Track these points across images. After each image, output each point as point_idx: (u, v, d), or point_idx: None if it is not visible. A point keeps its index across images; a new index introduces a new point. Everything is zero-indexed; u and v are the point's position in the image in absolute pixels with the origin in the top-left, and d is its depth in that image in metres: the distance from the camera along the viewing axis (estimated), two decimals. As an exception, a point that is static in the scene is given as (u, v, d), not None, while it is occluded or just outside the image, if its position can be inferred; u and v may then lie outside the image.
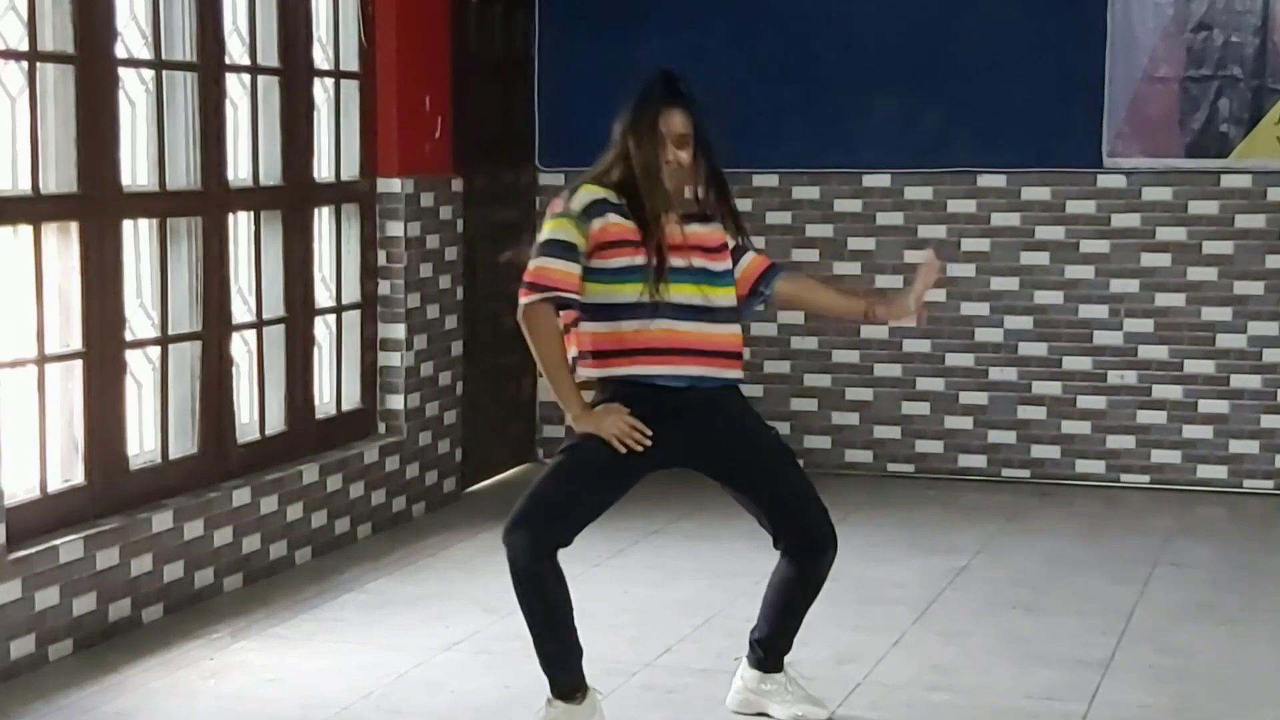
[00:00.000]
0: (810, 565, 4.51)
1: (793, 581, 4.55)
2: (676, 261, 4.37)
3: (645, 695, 4.95)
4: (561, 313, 4.40)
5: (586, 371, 4.43)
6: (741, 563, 6.13)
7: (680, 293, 4.37)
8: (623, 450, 4.29)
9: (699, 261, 4.41)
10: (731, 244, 4.52)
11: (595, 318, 4.39)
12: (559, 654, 4.42)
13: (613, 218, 4.34)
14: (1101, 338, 7.77)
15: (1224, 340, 7.63)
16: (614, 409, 4.32)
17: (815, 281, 4.90)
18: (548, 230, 4.37)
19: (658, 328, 4.35)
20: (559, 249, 4.33)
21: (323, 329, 6.79)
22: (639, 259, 4.33)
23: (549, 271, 4.33)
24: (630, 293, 4.34)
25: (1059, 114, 7.70)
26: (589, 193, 4.36)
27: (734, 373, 4.46)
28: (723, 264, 4.48)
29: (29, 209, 5.22)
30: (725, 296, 4.46)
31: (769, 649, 4.67)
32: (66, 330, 5.42)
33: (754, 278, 4.58)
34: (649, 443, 4.30)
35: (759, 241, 7.91)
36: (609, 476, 4.37)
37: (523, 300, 4.37)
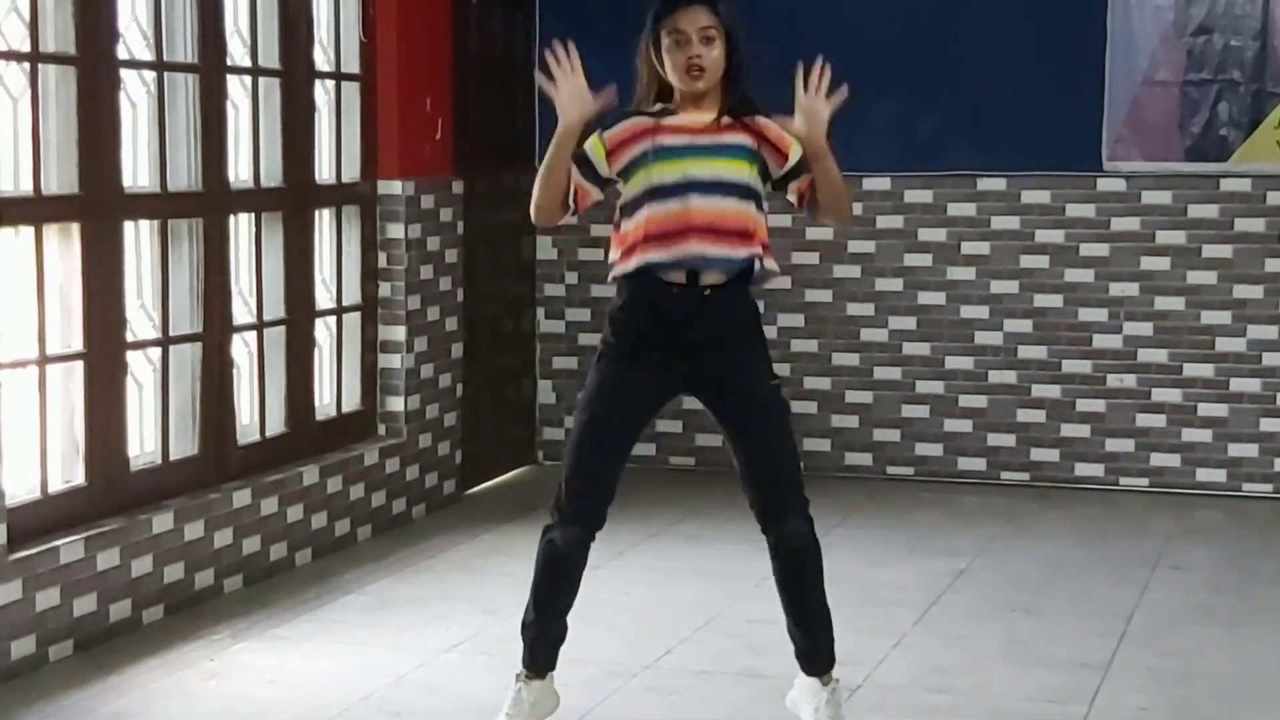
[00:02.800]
0: (782, 536, 4.42)
1: (773, 565, 4.50)
2: (674, 140, 4.27)
3: (645, 697, 4.95)
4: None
5: (614, 272, 4.37)
6: (741, 565, 6.14)
7: (676, 169, 4.26)
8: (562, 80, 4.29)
9: (704, 139, 4.28)
10: (795, 155, 4.32)
11: (626, 215, 4.34)
12: (552, 636, 4.49)
13: (634, 118, 4.31)
14: (1101, 341, 7.77)
15: (1223, 344, 7.64)
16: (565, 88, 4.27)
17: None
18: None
19: (661, 211, 4.26)
20: (581, 163, 4.31)
21: (323, 331, 6.80)
22: (645, 143, 4.28)
23: (574, 184, 4.32)
24: (638, 182, 4.29)
25: (1059, 117, 7.71)
26: (618, 114, 4.34)
27: (743, 251, 4.28)
28: (748, 142, 4.31)
29: (30, 210, 5.23)
30: (734, 170, 4.28)
31: (803, 642, 4.53)
32: (67, 331, 5.42)
33: (802, 191, 4.39)
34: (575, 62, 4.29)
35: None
36: (622, 426, 4.38)
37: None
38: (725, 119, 4.33)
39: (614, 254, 4.39)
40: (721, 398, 4.39)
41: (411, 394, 7.13)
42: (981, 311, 7.88)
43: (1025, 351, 7.86)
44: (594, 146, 4.33)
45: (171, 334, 5.86)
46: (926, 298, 7.94)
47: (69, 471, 5.45)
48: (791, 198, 4.43)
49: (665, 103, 4.37)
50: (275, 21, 6.39)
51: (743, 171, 4.31)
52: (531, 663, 4.51)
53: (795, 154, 4.35)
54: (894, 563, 6.50)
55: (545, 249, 8.30)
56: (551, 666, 4.52)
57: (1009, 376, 7.88)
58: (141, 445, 5.79)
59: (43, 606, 5.10)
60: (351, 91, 6.90)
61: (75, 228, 5.40)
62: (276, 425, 6.45)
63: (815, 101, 4.31)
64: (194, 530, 5.77)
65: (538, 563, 4.45)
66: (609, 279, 4.49)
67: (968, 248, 7.89)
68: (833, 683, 4.51)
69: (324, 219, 6.79)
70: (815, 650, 4.52)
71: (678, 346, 4.33)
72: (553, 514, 4.42)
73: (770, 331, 8.01)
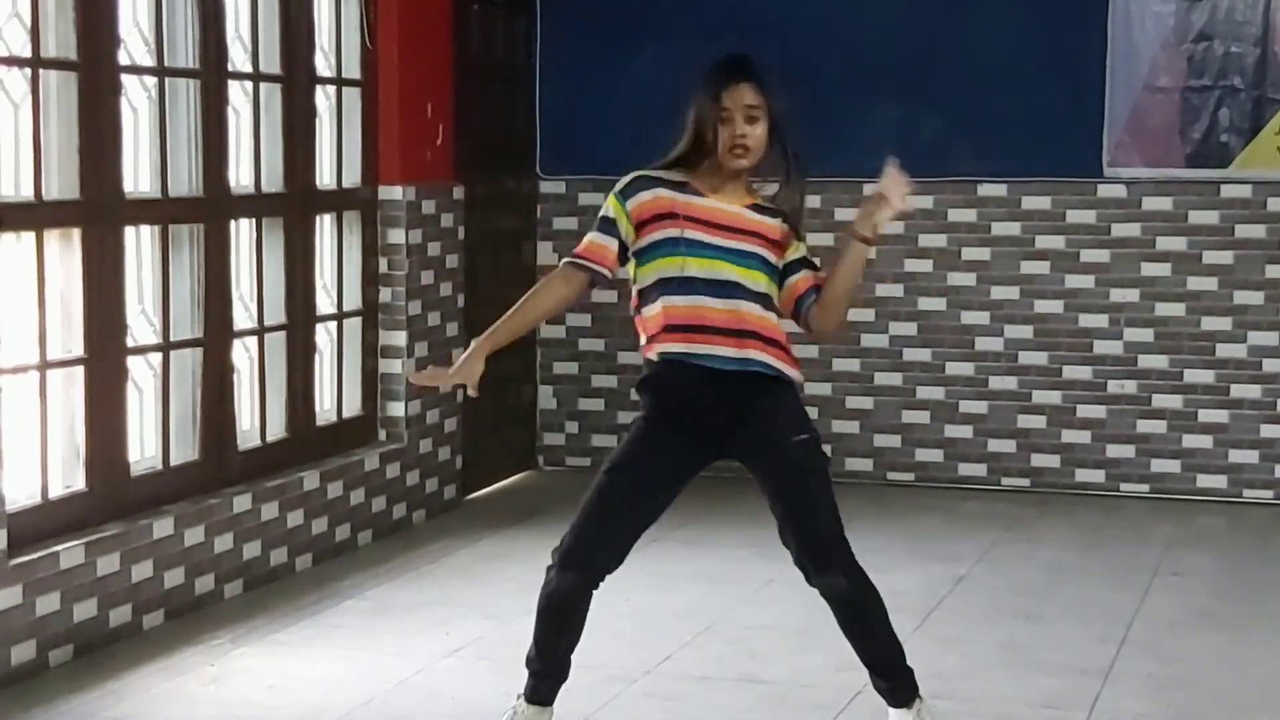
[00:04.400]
0: (824, 589, 4.39)
1: (835, 611, 4.43)
2: (707, 237, 4.22)
3: (646, 702, 4.95)
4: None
5: (649, 351, 4.31)
6: (742, 570, 6.14)
7: (709, 268, 4.21)
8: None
9: (736, 243, 4.24)
10: (794, 253, 4.32)
11: (646, 301, 4.29)
12: (553, 672, 4.42)
13: (660, 191, 4.24)
14: (1101, 347, 7.77)
15: (1224, 350, 7.64)
16: (471, 359, 4.21)
17: (828, 285, 4.38)
18: (604, 207, 4.31)
19: (686, 304, 4.22)
20: (600, 224, 4.28)
21: (324, 336, 6.80)
22: (672, 230, 4.23)
23: (586, 243, 4.28)
24: (666, 266, 4.24)
25: (1060, 123, 7.71)
26: (637, 173, 4.30)
27: (772, 359, 4.28)
28: (763, 250, 4.27)
29: (31, 215, 5.23)
30: (758, 282, 4.27)
31: (877, 680, 4.49)
32: (68, 336, 5.43)
33: (800, 293, 4.35)
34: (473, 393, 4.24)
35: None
36: (655, 490, 4.31)
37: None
38: (753, 210, 4.30)
39: (642, 337, 4.34)
40: (757, 456, 4.34)
41: (412, 399, 7.13)
42: (982, 317, 7.88)
43: (1026, 357, 7.86)
44: (615, 212, 4.26)
45: (172, 339, 5.86)
46: (927, 303, 7.94)
47: (69, 476, 5.45)
48: (786, 288, 4.36)
49: (690, 163, 4.30)
50: (276, 27, 6.40)
51: (767, 285, 4.30)
52: (533, 694, 4.43)
53: (795, 253, 4.34)
54: (894, 568, 6.49)
55: (546, 254, 8.30)
56: (551, 702, 4.44)
57: (1009, 382, 7.88)
58: (142, 450, 5.79)
59: (43, 611, 5.10)
60: (352, 97, 6.90)
61: (76, 233, 5.40)
62: (277, 430, 6.45)
63: (897, 187, 4.43)
64: (194, 535, 5.78)
65: (539, 604, 4.34)
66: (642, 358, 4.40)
67: (968, 253, 7.89)
68: (918, 704, 4.46)
69: (325, 224, 6.80)
70: (893, 686, 4.46)
71: (717, 412, 4.28)
72: (555, 555, 4.31)
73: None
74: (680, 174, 4.28)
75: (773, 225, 4.30)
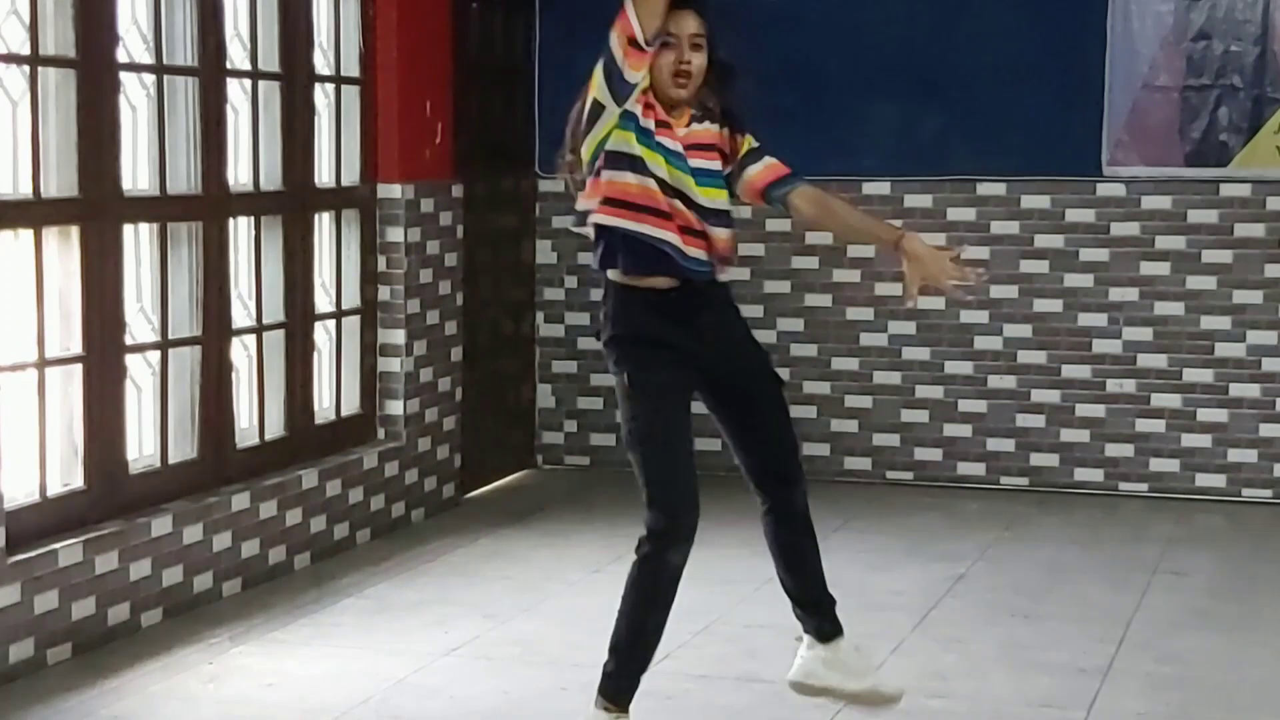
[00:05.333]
0: (789, 503, 4.46)
1: (777, 530, 4.49)
2: (674, 147, 4.26)
3: (644, 702, 4.92)
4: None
5: (596, 218, 4.31)
6: (740, 569, 6.13)
7: (670, 174, 4.25)
8: None
9: (695, 161, 4.28)
10: (744, 146, 4.38)
11: (610, 165, 4.28)
12: (645, 664, 4.37)
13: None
14: (1100, 346, 7.77)
15: (1223, 349, 7.64)
16: None
17: (841, 203, 4.55)
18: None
19: (650, 185, 4.23)
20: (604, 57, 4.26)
21: (322, 334, 6.79)
22: (651, 122, 4.24)
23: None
24: (642, 154, 4.25)
25: (1059, 122, 7.71)
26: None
27: (722, 273, 4.37)
28: (716, 163, 4.33)
29: (30, 213, 5.23)
30: (712, 198, 4.31)
31: (811, 607, 4.53)
32: (66, 334, 5.42)
33: (761, 186, 4.40)
34: None
35: (758, 248, 8.02)
36: (682, 423, 4.31)
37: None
38: (693, 123, 4.33)
39: (598, 199, 4.30)
40: (732, 375, 4.37)
41: (411, 398, 7.13)
42: (981, 316, 7.88)
43: (1025, 356, 7.85)
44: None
45: (171, 337, 5.85)
46: (926, 302, 7.92)
47: (68, 475, 5.44)
48: (744, 195, 4.41)
49: None
50: (275, 25, 6.39)
51: (721, 199, 4.34)
52: (617, 694, 4.35)
53: (748, 144, 4.40)
54: (893, 567, 6.50)
55: (545, 253, 8.30)
56: (631, 695, 4.39)
57: (1008, 381, 7.88)
58: (140, 448, 5.79)
59: (41, 609, 5.09)
60: (351, 95, 6.89)
61: (75, 231, 5.40)
62: (276, 429, 6.44)
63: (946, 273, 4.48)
64: (193, 534, 5.77)
65: (646, 585, 4.30)
66: (583, 220, 4.38)
67: (968, 253, 7.85)
68: (847, 636, 4.50)
69: (323, 222, 6.79)
70: (821, 619, 4.50)
71: (689, 338, 4.31)
72: (658, 533, 4.26)
73: (770, 336, 8.01)
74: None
75: (705, 130, 4.34)
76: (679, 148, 4.28)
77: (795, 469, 4.50)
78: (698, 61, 4.27)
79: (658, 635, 4.36)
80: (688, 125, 4.34)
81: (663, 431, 4.29)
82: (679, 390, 4.33)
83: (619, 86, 4.23)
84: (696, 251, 4.28)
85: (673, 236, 4.25)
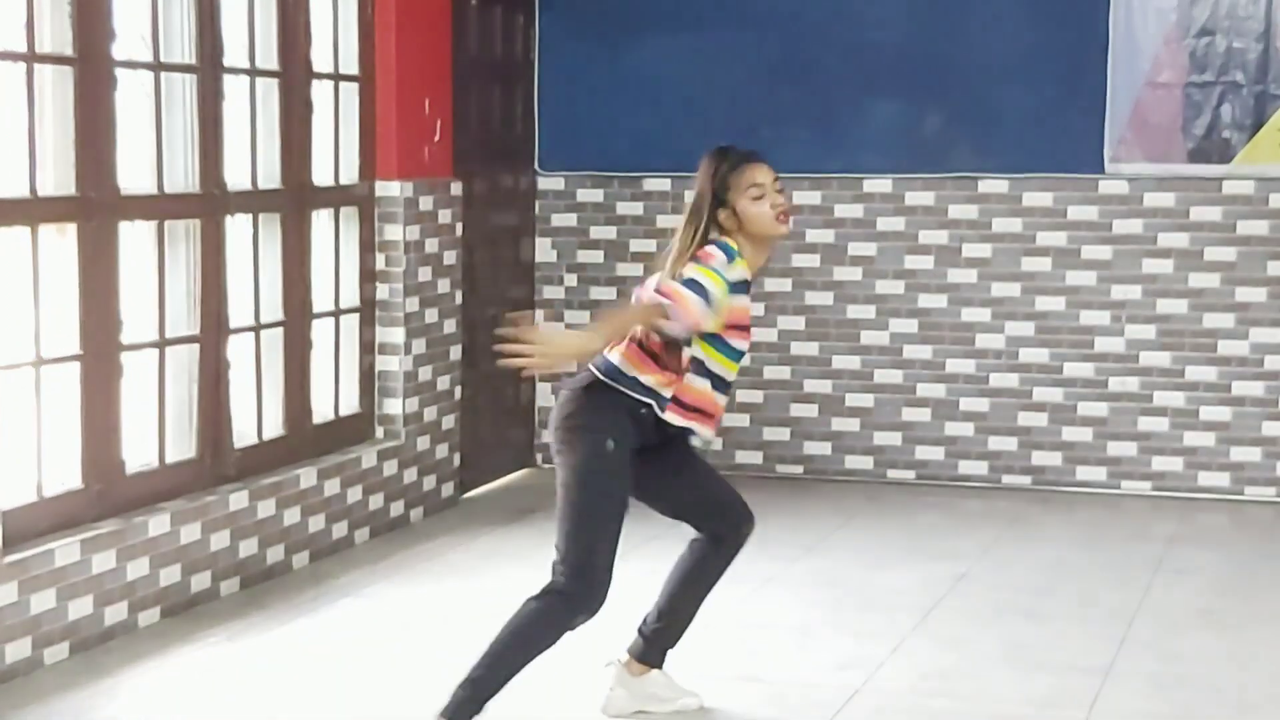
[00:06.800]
0: (735, 540, 4.71)
1: (708, 561, 4.72)
2: (740, 342, 4.51)
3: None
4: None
5: (652, 386, 4.43)
6: (738, 570, 6.07)
7: (730, 369, 4.52)
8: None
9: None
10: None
11: (698, 373, 4.46)
12: (493, 694, 4.38)
13: (741, 299, 4.45)
14: (1103, 344, 7.75)
15: (1226, 347, 7.61)
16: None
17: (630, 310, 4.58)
18: (707, 278, 4.33)
19: (720, 399, 4.52)
20: (707, 296, 4.31)
21: (321, 333, 6.77)
22: (743, 344, 4.51)
23: (684, 299, 4.28)
24: (728, 370, 4.50)
25: (1061, 119, 7.69)
26: (741, 269, 4.44)
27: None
28: None
29: (26, 211, 5.20)
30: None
31: (663, 641, 4.78)
32: (63, 333, 5.40)
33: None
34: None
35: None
36: (620, 514, 4.47)
37: (649, 300, 4.35)
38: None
39: (666, 385, 4.44)
40: (665, 460, 4.57)
41: (409, 397, 7.11)
42: (983, 314, 7.86)
43: (1027, 355, 7.83)
44: (722, 303, 4.35)
45: (168, 336, 5.83)
46: (928, 300, 7.91)
47: (65, 474, 5.42)
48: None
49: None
50: (273, 22, 6.37)
51: None
52: (459, 712, 4.32)
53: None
54: (894, 566, 6.48)
55: (545, 251, 8.28)
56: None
57: (1010, 380, 7.86)
58: (138, 448, 5.76)
59: (38, 609, 5.08)
60: (350, 92, 6.87)
61: (71, 228, 5.38)
62: (274, 428, 6.42)
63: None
64: (190, 533, 5.75)
65: (538, 632, 4.37)
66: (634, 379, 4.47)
67: (969, 250, 7.86)
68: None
69: (322, 220, 6.77)
70: (675, 642, 4.79)
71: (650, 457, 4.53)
72: (572, 594, 4.36)
73: (771, 334, 8.00)
74: (744, 266, 4.45)
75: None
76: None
77: (741, 514, 4.74)
78: (783, 201, 4.51)
79: (517, 675, 4.41)
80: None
81: (620, 512, 4.44)
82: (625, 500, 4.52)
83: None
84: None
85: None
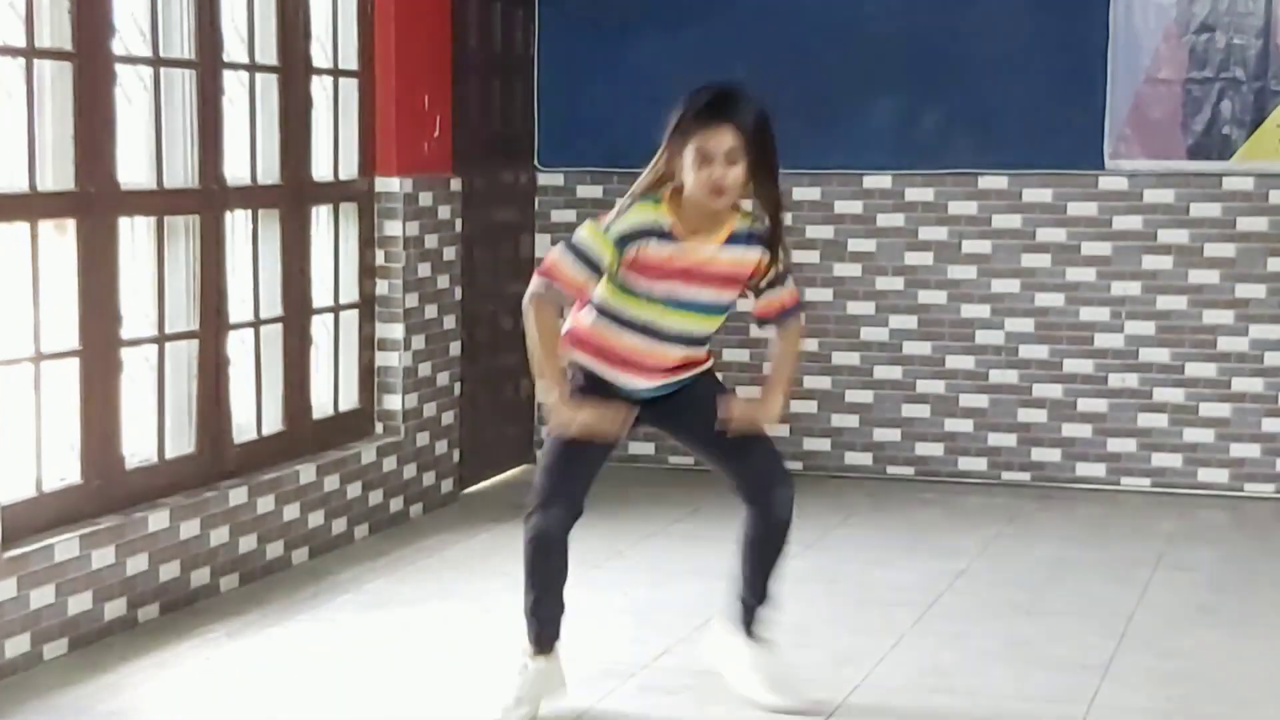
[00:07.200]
0: (767, 506, 4.64)
1: (754, 533, 4.69)
2: (681, 293, 4.44)
3: (643, 697, 4.93)
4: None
5: (569, 352, 4.55)
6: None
7: (674, 319, 4.48)
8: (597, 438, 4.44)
9: (707, 296, 4.49)
10: (769, 275, 4.57)
11: (603, 314, 4.49)
12: (555, 613, 4.64)
13: (649, 244, 4.39)
14: (1103, 340, 7.75)
15: (1226, 343, 7.61)
16: (586, 406, 4.43)
17: (786, 351, 4.76)
18: (585, 234, 4.39)
19: (644, 345, 4.50)
20: (581, 256, 4.37)
21: (320, 329, 6.77)
22: (656, 289, 4.42)
23: (562, 271, 4.37)
24: (637, 311, 4.46)
25: (1060, 116, 7.68)
26: (638, 216, 4.39)
27: (697, 370, 4.63)
28: (730, 295, 4.56)
29: (25, 206, 5.20)
30: (715, 323, 4.59)
31: (746, 613, 4.80)
32: (62, 328, 5.39)
33: (771, 314, 4.67)
34: (620, 429, 4.47)
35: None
36: (577, 446, 4.52)
37: (532, 287, 4.41)
38: (729, 253, 4.49)
39: (574, 330, 4.54)
40: (689, 411, 4.62)
41: (409, 392, 7.11)
42: (983, 310, 7.86)
43: (1026, 351, 7.83)
44: (601, 253, 4.37)
45: (167, 331, 5.83)
46: (927, 296, 7.91)
47: (64, 469, 5.42)
48: (757, 302, 4.66)
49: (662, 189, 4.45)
50: (272, 17, 6.36)
51: (720, 321, 4.62)
52: (542, 641, 4.62)
53: (771, 273, 4.58)
54: (894, 563, 6.48)
55: (544, 247, 8.26)
56: (558, 638, 4.65)
57: (1010, 376, 7.85)
58: (137, 443, 5.76)
59: (37, 604, 5.07)
60: (349, 88, 6.87)
61: (71, 224, 5.38)
62: (273, 423, 6.42)
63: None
64: (190, 529, 5.75)
65: (531, 551, 4.59)
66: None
67: (969, 246, 7.86)
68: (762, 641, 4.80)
69: (321, 216, 6.76)
70: (764, 614, 4.78)
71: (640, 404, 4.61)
72: (533, 504, 4.57)
73: (771, 331, 7.96)
74: (666, 212, 4.39)
75: (749, 261, 4.52)
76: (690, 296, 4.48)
77: (779, 474, 4.69)
78: (734, 174, 4.35)
79: (555, 589, 4.64)
80: (727, 242, 4.46)
81: (577, 446, 4.48)
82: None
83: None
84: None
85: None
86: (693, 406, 4.61)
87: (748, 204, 4.55)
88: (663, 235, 4.39)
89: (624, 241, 4.37)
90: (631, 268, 4.41)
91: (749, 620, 4.79)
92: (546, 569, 4.58)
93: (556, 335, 4.46)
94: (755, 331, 4.68)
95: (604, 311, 4.51)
